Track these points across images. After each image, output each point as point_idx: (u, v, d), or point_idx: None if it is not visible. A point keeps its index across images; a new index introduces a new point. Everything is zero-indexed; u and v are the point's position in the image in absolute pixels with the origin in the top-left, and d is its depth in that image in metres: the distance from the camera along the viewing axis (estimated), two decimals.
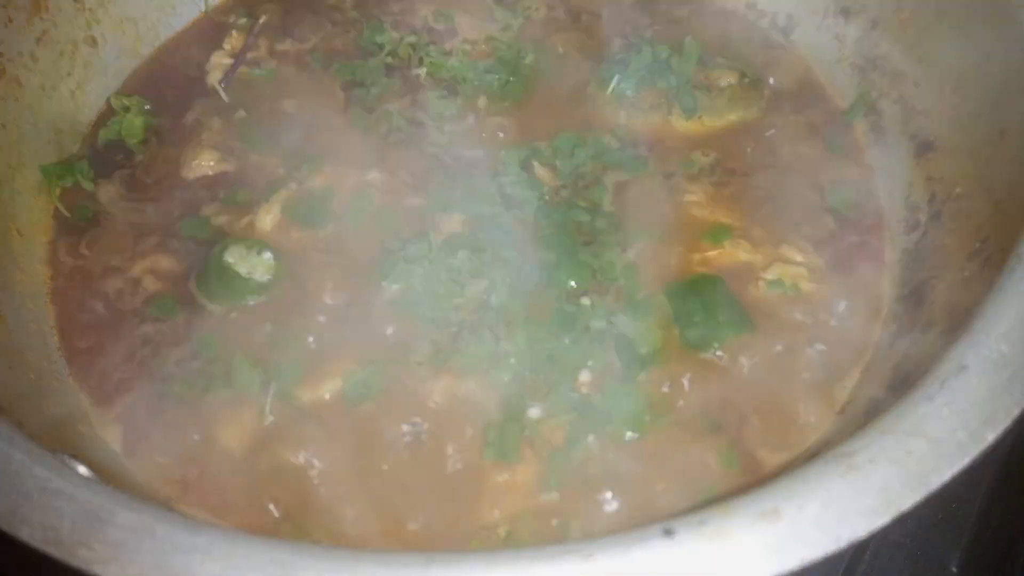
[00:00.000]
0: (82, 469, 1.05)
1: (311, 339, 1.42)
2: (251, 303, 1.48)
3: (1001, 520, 1.54)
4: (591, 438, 1.32)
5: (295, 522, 1.28)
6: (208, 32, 1.91)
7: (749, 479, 1.27)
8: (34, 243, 1.58)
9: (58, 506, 0.90)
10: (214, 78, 1.79)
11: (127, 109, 1.71)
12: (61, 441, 1.27)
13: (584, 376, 1.37)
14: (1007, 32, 1.40)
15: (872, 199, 1.61)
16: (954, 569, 1.50)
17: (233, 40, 1.82)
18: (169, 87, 1.83)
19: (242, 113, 1.72)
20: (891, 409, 0.94)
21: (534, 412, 1.34)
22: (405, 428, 1.33)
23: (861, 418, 1.28)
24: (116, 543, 0.88)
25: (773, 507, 0.85)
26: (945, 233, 1.42)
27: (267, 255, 1.50)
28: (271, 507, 1.29)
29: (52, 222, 1.62)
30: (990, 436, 0.90)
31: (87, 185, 1.64)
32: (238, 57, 1.81)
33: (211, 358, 1.42)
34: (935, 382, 0.95)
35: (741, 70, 1.74)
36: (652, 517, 1.22)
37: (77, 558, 0.87)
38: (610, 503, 1.26)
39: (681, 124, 1.70)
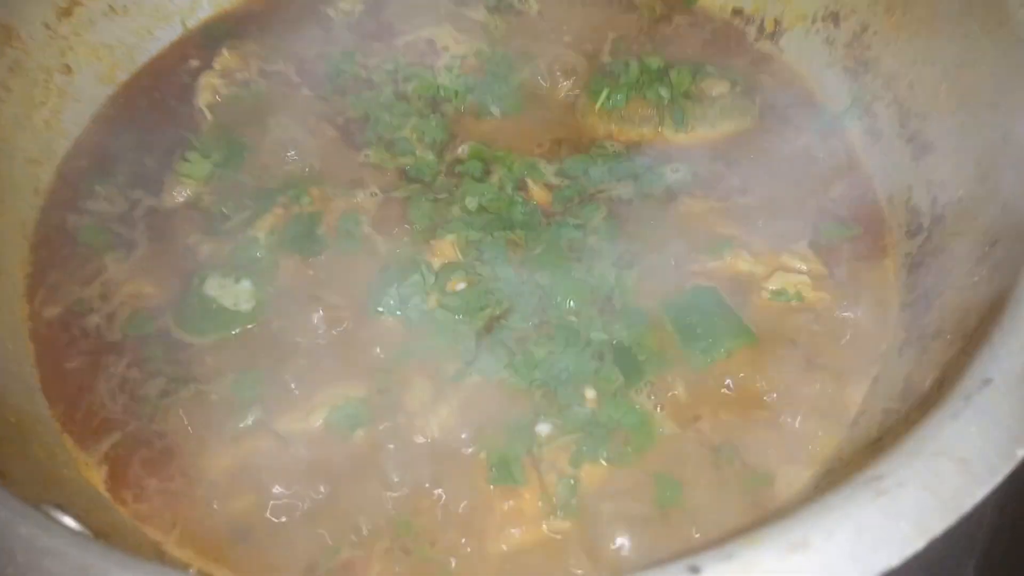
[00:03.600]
0: (69, 521, 0.99)
1: (298, 370, 1.38)
2: (235, 332, 1.43)
3: (1016, 526, 1.51)
4: (597, 458, 1.28)
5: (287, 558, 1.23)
6: (187, 55, 1.87)
7: (765, 499, 1.23)
8: (13, 278, 1.52)
9: (46, 566, 0.85)
10: (202, 99, 1.74)
11: None
12: (46, 486, 1.22)
13: (589, 393, 1.33)
14: (1003, 32, 1.37)
15: (872, 204, 1.58)
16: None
17: (223, 60, 1.77)
18: (147, 112, 1.78)
19: (227, 135, 1.66)
20: (916, 428, 0.90)
21: (542, 429, 1.30)
22: (399, 458, 1.29)
23: (875, 430, 1.25)
24: None
25: (802, 537, 0.81)
26: (949, 237, 1.39)
27: (245, 283, 1.46)
28: (262, 547, 1.24)
29: (30, 256, 1.56)
30: (1020, 453, 0.86)
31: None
32: (224, 78, 1.76)
33: (195, 392, 1.37)
34: (959, 398, 0.91)
35: (732, 79, 1.71)
36: (666, 544, 1.20)
37: None
38: (621, 532, 1.21)
39: (674, 135, 1.67)
